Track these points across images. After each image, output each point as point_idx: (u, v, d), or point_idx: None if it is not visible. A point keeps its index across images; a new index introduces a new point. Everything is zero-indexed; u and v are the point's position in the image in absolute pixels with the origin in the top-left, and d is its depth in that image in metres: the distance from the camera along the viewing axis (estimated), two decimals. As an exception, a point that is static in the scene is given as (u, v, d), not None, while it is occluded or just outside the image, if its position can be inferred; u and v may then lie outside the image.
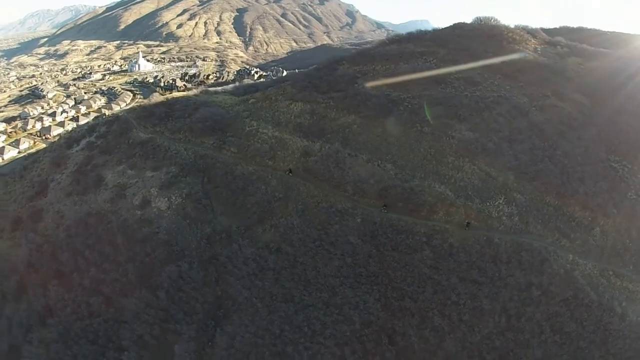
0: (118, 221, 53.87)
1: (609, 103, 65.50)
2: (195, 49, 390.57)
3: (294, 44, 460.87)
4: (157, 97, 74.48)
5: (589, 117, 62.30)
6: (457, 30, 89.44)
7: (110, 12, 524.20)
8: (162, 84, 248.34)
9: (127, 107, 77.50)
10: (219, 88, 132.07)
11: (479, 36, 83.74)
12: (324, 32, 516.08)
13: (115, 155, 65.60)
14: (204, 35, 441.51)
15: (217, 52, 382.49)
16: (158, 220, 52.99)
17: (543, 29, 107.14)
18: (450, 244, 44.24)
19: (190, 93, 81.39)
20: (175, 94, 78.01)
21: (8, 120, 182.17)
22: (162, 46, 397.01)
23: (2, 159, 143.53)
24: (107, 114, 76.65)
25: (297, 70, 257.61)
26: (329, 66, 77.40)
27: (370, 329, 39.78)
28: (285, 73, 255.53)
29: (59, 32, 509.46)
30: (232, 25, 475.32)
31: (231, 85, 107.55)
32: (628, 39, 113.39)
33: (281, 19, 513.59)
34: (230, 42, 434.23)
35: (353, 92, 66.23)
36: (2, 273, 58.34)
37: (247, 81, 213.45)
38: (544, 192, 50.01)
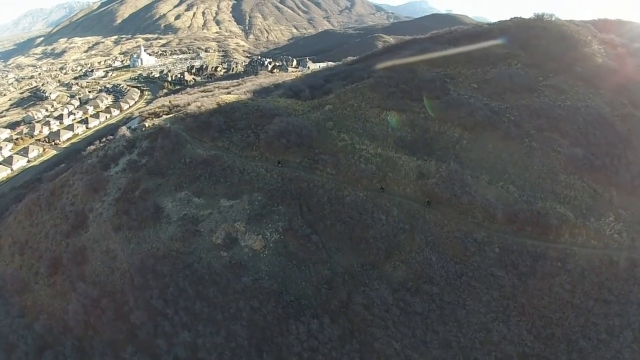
0: (201, 267, 41.04)
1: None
2: (195, 40, 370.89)
3: (295, 31, 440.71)
4: (206, 104, 60.69)
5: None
6: (532, 31, 77.20)
7: (106, 7, 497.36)
8: (169, 79, 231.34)
9: (170, 116, 63.27)
10: (249, 85, 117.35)
11: (553, 37, 74.18)
12: (324, 17, 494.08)
13: (170, 178, 52.21)
14: (203, 26, 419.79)
15: (218, 42, 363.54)
16: (254, 263, 41.37)
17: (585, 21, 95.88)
18: (582, 267, 41.57)
19: (243, 97, 67.22)
20: (225, 97, 63.80)
21: (12, 126, 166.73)
22: (161, 39, 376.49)
23: (12, 170, 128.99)
24: (147, 124, 61.93)
25: (311, 61, 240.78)
26: (406, 68, 64.10)
27: (527, 361, 37.19)
28: (295, 62, 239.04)
29: (54, 30, 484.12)
30: (230, 14, 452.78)
31: (265, 80, 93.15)
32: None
33: (280, 5, 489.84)
34: (230, 31, 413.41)
35: (454, 102, 55.52)
36: (51, 332, 45.96)
37: (263, 72, 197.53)
38: (640, 207, 47.80)
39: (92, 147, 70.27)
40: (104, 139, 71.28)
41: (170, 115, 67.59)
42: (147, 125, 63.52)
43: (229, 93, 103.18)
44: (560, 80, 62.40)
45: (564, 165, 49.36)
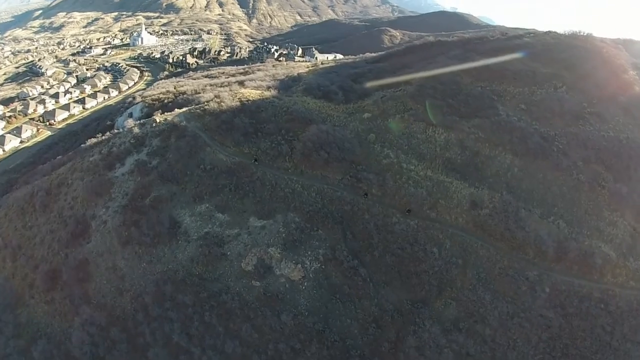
0: (230, 298, 34.74)
1: None
2: (197, 21, 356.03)
3: (299, 18, 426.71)
4: (226, 100, 52.97)
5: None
6: (574, 50, 71.57)
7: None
8: (171, 60, 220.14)
9: (184, 110, 55.64)
10: (262, 75, 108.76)
11: (595, 60, 69.38)
12: (329, 6, 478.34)
13: (187, 187, 45.05)
14: (205, 7, 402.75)
15: (220, 24, 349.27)
16: (292, 296, 35.78)
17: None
18: (622, 309, 40.19)
19: (267, 93, 59.43)
20: (246, 93, 56.20)
21: (5, 102, 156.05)
22: (162, 18, 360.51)
23: (3, 151, 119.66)
24: (157, 120, 54.25)
25: (318, 51, 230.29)
26: (448, 79, 57.12)
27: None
28: (300, 51, 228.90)
29: (53, 3, 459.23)
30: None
31: (278, 71, 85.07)
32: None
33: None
34: (233, 14, 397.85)
35: (505, 124, 50.48)
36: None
37: (269, 60, 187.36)
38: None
39: (94, 139, 61.97)
40: (107, 133, 62.79)
41: (184, 109, 59.49)
42: (157, 121, 55.58)
43: (240, 83, 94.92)
44: (603, 108, 58.48)
45: (607, 201, 46.94)
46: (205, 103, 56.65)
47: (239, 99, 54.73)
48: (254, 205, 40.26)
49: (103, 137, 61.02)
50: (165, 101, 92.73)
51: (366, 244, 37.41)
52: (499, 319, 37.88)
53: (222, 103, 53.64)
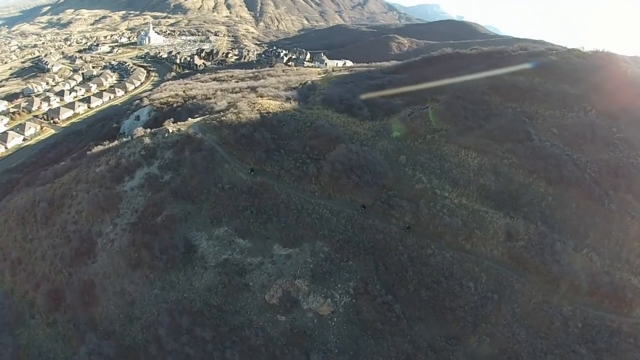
0: (253, 334, 31.63)
1: None
2: (204, 22, 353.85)
3: (306, 22, 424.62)
4: (245, 111, 49.87)
5: None
6: (602, 72, 68.76)
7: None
8: (178, 61, 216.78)
9: (198, 120, 52.42)
10: (274, 82, 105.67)
11: (622, 82, 67.31)
12: (336, 11, 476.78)
13: (203, 206, 41.69)
14: (213, 8, 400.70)
15: (228, 26, 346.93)
16: (321, 332, 32.72)
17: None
18: None
19: (287, 105, 56.04)
20: (265, 104, 53.08)
21: (10, 98, 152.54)
22: (169, 18, 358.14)
23: (6, 148, 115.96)
24: (170, 130, 51.05)
25: (326, 57, 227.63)
26: (477, 98, 53.98)
27: None
28: (308, 56, 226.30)
29: (62, 0, 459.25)
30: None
31: (291, 78, 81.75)
32: None
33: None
34: (241, 16, 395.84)
35: (539, 150, 47.82)
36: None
37: (278, 65, 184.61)
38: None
39: (100, 147, 58.56)
40: (114, 141, 59.48)
41: (198, 119, 56.24)
42: (170, 131, 52.28)
43: (252, 89, 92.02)
44: (631, 133, 56.15)
45: (637, 232, 45.32)
46: (221, 114, 53.38)
47: (257, 110, 51.47)
48: (278, 231, 36.95)
49: (110, 145, 57.59)
50: (174, 105, 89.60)
51: (400, 277, 34.42)
52: (533, 355, 36.27)
53: (240, 115, 50.33)
